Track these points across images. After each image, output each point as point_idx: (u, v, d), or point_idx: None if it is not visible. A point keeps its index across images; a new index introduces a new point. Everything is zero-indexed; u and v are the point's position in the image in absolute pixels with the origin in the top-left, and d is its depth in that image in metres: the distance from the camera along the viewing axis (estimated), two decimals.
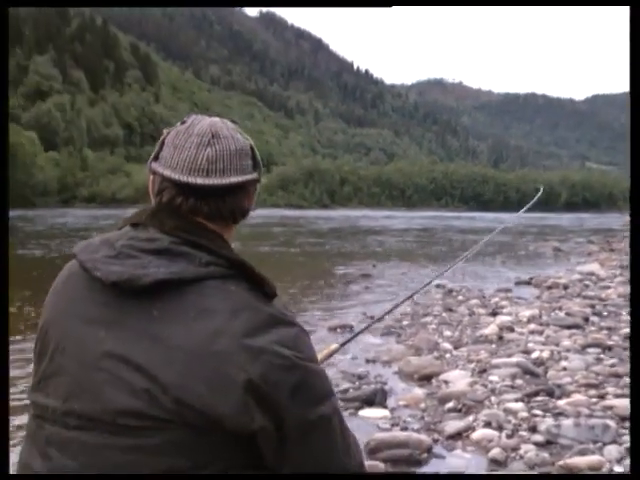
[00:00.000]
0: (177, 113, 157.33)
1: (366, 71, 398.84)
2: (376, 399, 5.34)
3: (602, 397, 4.99)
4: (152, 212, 1.23)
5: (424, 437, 4.49)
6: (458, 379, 5.81)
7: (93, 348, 1.13)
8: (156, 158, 1.26)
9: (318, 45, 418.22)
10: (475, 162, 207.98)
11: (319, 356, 1.68)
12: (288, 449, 1.14)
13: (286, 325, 1.17)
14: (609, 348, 6.56)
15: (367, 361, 6.80)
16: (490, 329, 7.78)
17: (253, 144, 1.31)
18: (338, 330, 8.42)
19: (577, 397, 5.00)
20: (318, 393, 1.17)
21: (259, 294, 1.18)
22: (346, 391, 5.68)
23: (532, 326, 7.93)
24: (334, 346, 1.97)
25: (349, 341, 2.11)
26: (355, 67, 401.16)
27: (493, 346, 7.04)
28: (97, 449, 1.10)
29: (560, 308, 9.15)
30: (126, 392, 1.09)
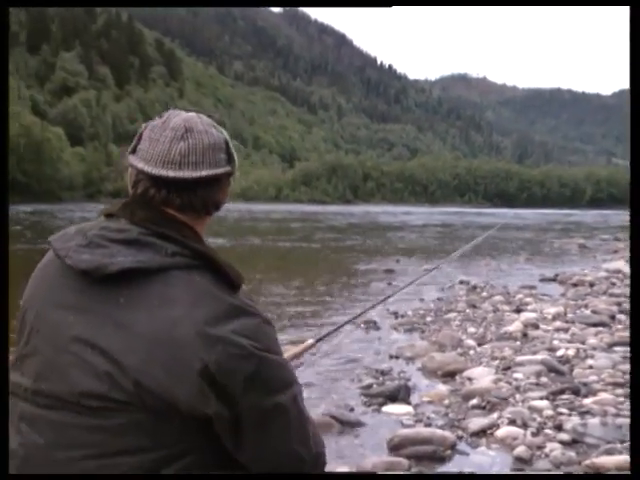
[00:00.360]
0: (201, 109, 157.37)
1: (389, 66, 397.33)
2: (399, 395, 5.33)
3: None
4: (124, 204, 1.29)
5: (448, 434, 4.46)
6: (482, 376, 5.76)
7: (63, 332, 1.19)
8: (133, 151, 1.31)
9: (341, 40, 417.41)
10: (499, 158, 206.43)
11: (295, 350, 1.78)
12: (244, 435, 1.19)
13: (247, 315, 1.20)
14: None
15: (390, 357, 6.77)
16: (514, 326, 7.71)
17: (228, 138, 1.35)
18: (362, 325, 8.40)
19: (604, 396, 4.93)
20: (274, 383, 1.21)
21: (223, 285, 1.22)
22: (369, 387, 5.67)
23: (557, 323, 7.84)
24: (310, 341, 1.99)
25: (323, 338, 2.14)
26: (379, 62, 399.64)
27: (517, 343, 6.98)
28: (64, 427, 1.16)
29: (586, 306, 9.04)
30: (90, 375, 1.14)
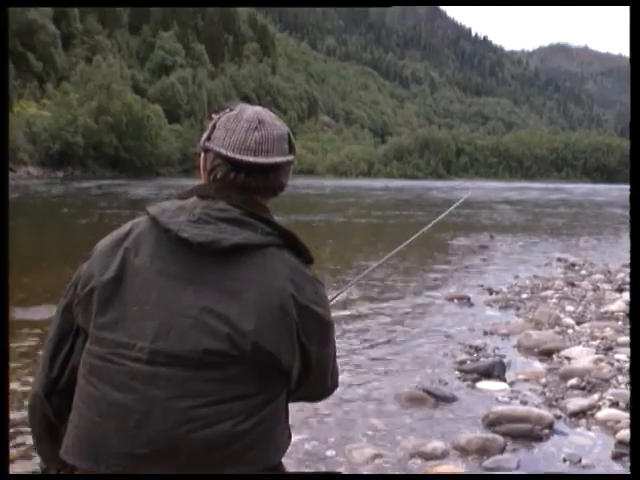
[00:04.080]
0: (294, 84, 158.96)
1: (485, 37, 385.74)
2: (494, 372, 5.24)
3: None
4: (220, 187, 1.43)
5: (545, 412, 4.36)
6: (581, 356, 5.58)
7: (177, 298, 1.34)
8: (209, 138, 1.46)
9: (434, 11, 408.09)
10: (600, 131, 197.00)
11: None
12: (306, 378, 1.47)
13: (320, 286, 1.46)
14: None
15: (485, 333, 6.66)
16: (616, 305, 7.41)
17: (290, 131, 1.52)
18: (455, 301, 8.29)
19: None
20: (330, 340, 1.50)
21: (302, 260, 1.45)
22: (463, 362, 5.61)
23: None
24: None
25: (335, 297, 2.32)
26: (473, 33, 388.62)
27: (619, 323, 6.71)
28: (183, 381, 1.31)
29: None
30: (211, 335, 1.31)
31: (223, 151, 1.41)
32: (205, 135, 1.46)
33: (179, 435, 1.30)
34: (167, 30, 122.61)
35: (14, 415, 3.82)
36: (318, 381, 1.52)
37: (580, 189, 65.61)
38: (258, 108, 1.49)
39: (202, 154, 1.48)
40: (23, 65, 77.50)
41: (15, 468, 3.31)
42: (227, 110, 1.48)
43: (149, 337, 1.32)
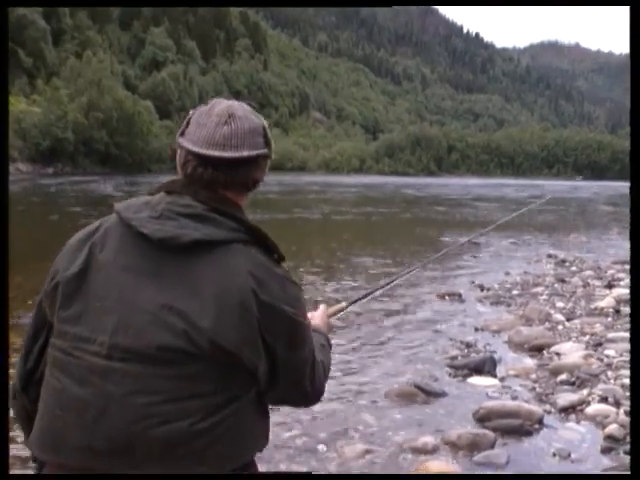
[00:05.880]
0: (285, 80, 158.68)
1: (476, 34, 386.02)
2: (485, 367, 5.27)
3: None
4: (186, 183, 1.43)
5: (535, 408, 4.39)
6: (571, 351, 5.63)
7: (137, 294, 1.33)
8: (182, 134, 1.46)
9: (426, 8, 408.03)
10: (590, 128, 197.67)
11: (329, 311, 2.00)
12: (275, 380, 1.42)
13: (290, 285, 1.42)
14: None
15: (476, 329, 6.69)
16: (606, 302, 7.46)
17: (266, 125, 1.50)
18: (447, 298, 8.32)
19: None
20: (302, 341, 1.44)
21: (271, 257, 1.42)
22: (454, 358, 5.64)
23: None
24: (343, 304, 2.15)
25: (354, 302, 2.24)
26: (465, 30, 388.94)
27: (609, 319, 6.76)
28: (141, 377, 1.30)
29: None
30: (168, 332, 1.30)
31: (192, 146, 1.41)
32: (179, 131, 1.47)
33: (135, 432, 1.29)
34: (158, 26, 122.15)
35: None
36: (292, 385, 1.47)
37: (562, 186, 65.85)
38: (232, 102, 1.48)
39: (178, 150, 1.47)
40: (13, 61, 76.96)
41: (15, 468, 3.28)
42: (203, 105, 1.49)
43: (108, 332, 1.33)
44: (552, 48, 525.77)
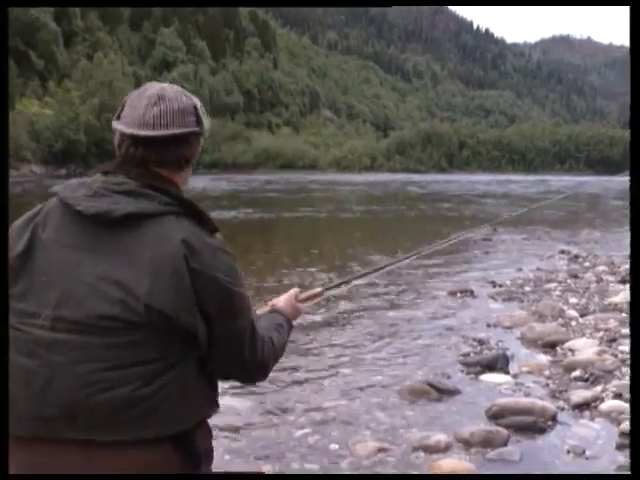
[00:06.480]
0: (295, 79, 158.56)
1: (486, 30, 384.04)
2: (498, 364, 5.24)
3: None
4: (120, 163, 1.52)
5: (549, 404, 4.36)
6: (585, 347, 5.58)
7: (78, 268, 1.41)
8: (118, 117, 1.54)
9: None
10: (603, 123, 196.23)
11: (302, 296, 2.03)
12: (214, 348, 1.47)
13: (223, 254, 1.48)
14: None
15: (488, 326, 6.66)
16: (620, 297, 7.40)
17: (198, 105, 1.58)
18: (458, 294, 8.29)
19: None
20: (239, 312, 1.50)
21: (204, 228, 1.49)
22: (467, 355, 5.61)
23: None
24: (318, 290, 2.17)
25: (331, 288, 2.27)
26: (475, 26, 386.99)
27: (623, 315, 6.69)
28: (84, 347, 1.38)
29: None
30: (105, 301, 1.38)
31: (125, 128, 1.50)
32: (116, 115, 1.55)
33: (79, 398, 1.36)
34: (168, 26, 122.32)
35: None
36: (230, 355, 1.51)
37: (573, 182, 65.43)
38: (164, 85, 1.57)
39: (115, 134, 1.54)
40: (25, 63, 77.41)
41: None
42: (135, 90, 1.58)
43: (52, 305, 1.40)
44: (563, 42, 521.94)
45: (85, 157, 70.11)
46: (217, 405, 1.56)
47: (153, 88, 1.55)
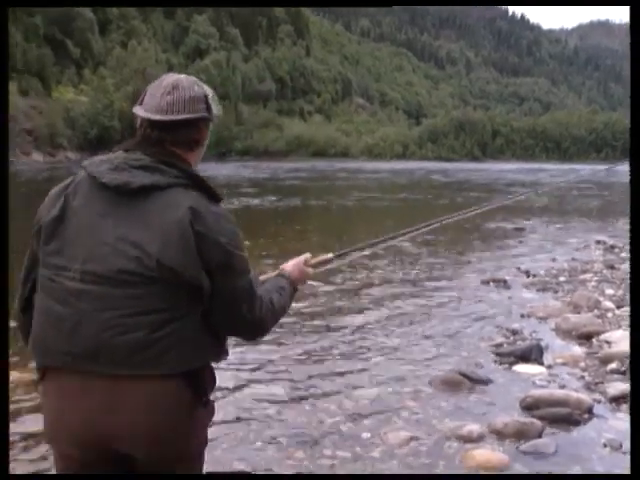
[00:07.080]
0: (327, 66, 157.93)
1: (522, 16, 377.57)
2: (532, 355, 5.17)
3: None
4: (139, 141, 1.78)
5: (584, 397, 4.30)
6: (622, 340, 5.47)
7: (101, 230, 1.67)
8: (141, 103, 1.80)
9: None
10: None
11: (313, 261, 2.21)
12: (214, 303, 1.71)
13: (225, 220, 1.72)
14: None
15: (522, 316, 6.58)
16: None
17: (209, 94, 1.85)
18: (491, 284, 8.20)
19: None
20: (240, 272, 1.74)
21: (210, 198, 1.74)
22: (500, 345, 5.55)
23: None
24: (329, 255, 2.33)
25: (342, 255, 2.42)
26: (510, 13, 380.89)
27: None
28: (106, 297, 1.64)
29: None
30: (124, 258, 1.64)
31: (143, 113, 1.77)
32: (138, 101, 1.81)
33: (103, 339, 1.63)
34: (201, 14, 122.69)
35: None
36: (231, 311, 1.73)
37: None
38: (179, 76, 1.84)
39: (137, 118, 1.81)
40: (62, 52, 78.38)
41: (15, 468, 3.29)
42: (156, 80, 1.85)
43: (80, 261, 1.67)
44: (602, 28, 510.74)
45: (119, 143, 70.77)
46: (225, 355, 1.82)
47: (170, 78, 1.82)
